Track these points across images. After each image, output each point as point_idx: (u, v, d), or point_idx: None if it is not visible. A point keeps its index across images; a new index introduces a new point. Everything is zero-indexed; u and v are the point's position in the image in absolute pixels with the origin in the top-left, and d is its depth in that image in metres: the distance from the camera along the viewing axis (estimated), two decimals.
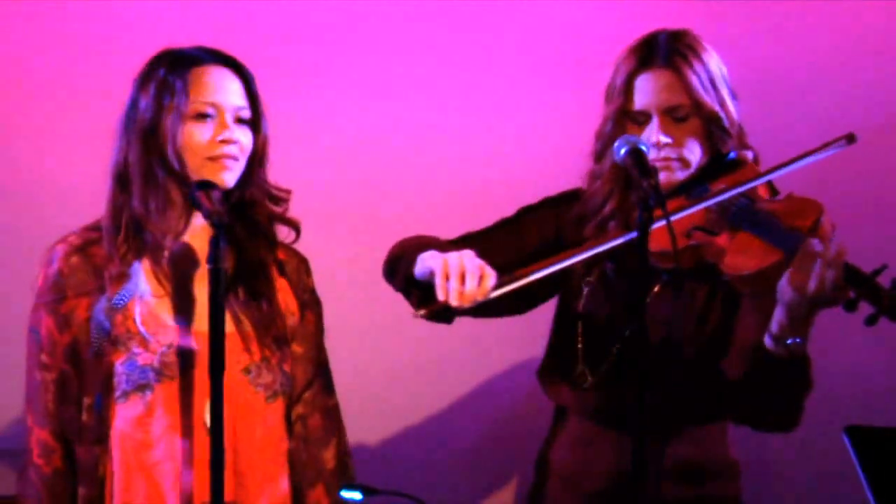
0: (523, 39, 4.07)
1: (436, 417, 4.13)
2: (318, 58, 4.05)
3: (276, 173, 3.03)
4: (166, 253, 2.91)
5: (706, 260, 3.03)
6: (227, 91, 2.92)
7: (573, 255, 2.99)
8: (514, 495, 4.11)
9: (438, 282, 2.85)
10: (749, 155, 3.14)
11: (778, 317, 2.93)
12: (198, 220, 2.94)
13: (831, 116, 4.03)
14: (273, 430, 2.96)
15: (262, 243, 2.98)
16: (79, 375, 2.91)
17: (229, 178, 2.92)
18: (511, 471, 4.13)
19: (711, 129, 3.11)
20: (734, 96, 3.14)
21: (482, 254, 3.11)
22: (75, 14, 3.98)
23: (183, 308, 2.91)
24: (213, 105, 2.90)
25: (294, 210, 3.06)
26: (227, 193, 2.91)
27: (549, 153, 3.99)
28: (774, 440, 3.84)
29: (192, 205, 2.87)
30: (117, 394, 2.88)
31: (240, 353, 2.91)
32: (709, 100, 3.09)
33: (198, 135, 2.89)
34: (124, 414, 2.89)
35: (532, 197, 3.29)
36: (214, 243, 2.75)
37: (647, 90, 3.10)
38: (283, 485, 2.99)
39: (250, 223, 2.97)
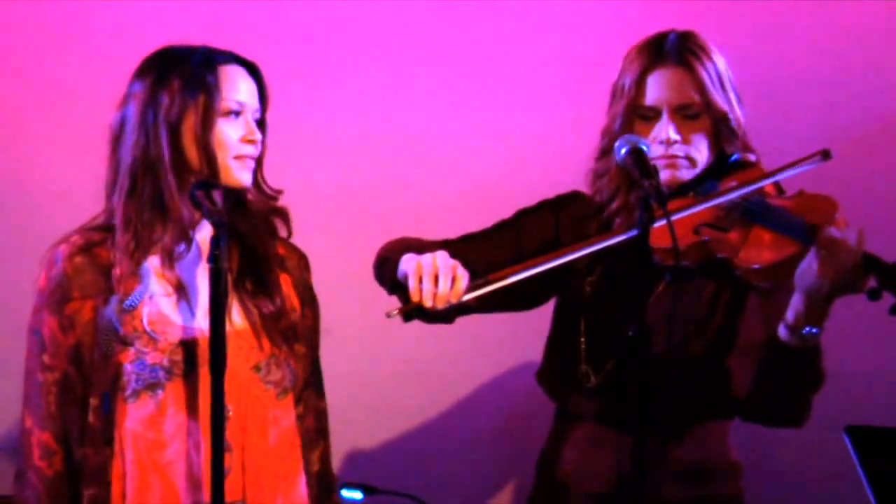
0: (523, 40, 4.07)
1: (436, 417, 4.13)
2: (318, 58, 4.06)
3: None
4: (179, 249, 2.91)
5: (716, 256, 3.03)
6: (249, 92, 2.94)
7: (552, 258, 2.99)
8: (515, 495, 4.11)
9: (412, 283, 2.86)
10: (751, 157, 3.15)
11: (796, 306, 2.94)
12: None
13: (830, 116, 4.04)
14: (285, 427, 2.95)
15: (265, 235, 2.99)
16: (82, 377, 2.89)
17: (249, 177, 2.93)
18: (511, 471, 4.13)
19: (720, 128, 3.12)
20: (739, 99, 3.15)
21: (479, 255, 3.12)
22: (75, 14, 3.98)
23: (191, 305, 2.91)
24: (240, 104, 2.92)
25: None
26: (227, 192, 2.91)
27: (549, 153, 3.99)
28: (774, 441, 3.85)
29: (192, 204, 2.87)
30: (127, 393, 2.87)
31: (250, 350, 2.91)
32: (719, 99, 3.10)
33: (229, 132, 2.90)
34: (135, 413, 2.87)
35: (533, 197, 3.30)
36: (215, 243, 2.75)
37: (659, 86, 3.10)
38: (301, 484, 2.98)
39: (251, 216, 2.97)
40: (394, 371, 4.08)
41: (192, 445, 2.86)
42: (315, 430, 3.04)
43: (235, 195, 2.94)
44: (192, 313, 2.91)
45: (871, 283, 2.91)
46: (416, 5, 4.08)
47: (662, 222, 2.81)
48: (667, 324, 3.08)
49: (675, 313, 3.08)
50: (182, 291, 2.91)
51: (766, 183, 3.06)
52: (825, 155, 3.03)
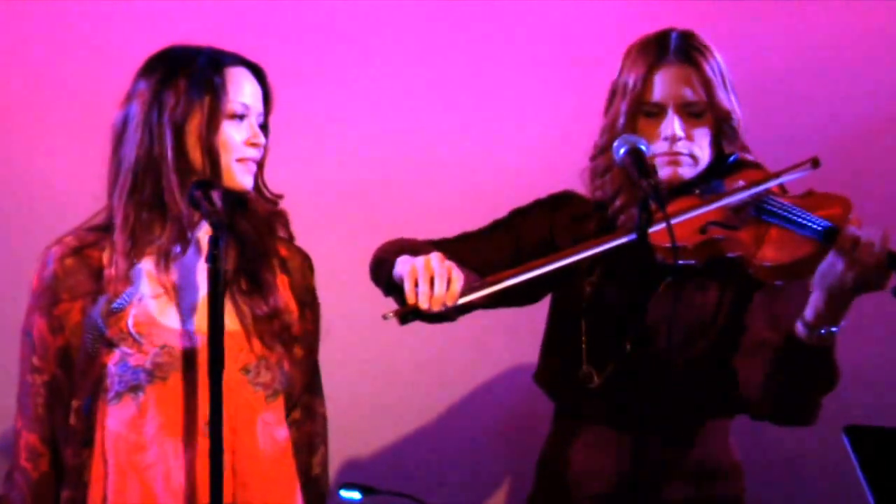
0: (523, 40, 4.07)
1: (436, 417, 4.13)
2: (318, 58, 4.06)
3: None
4: (176, 250, 2.90)
5: (725, 255, 3.02)
6: (254, 95, 2.93)
7: (551, 261, 2.98)
8: (515, 496, 4.11)
9: (407, 286, 2.85)
10: (749, 157, 3.15)
11: (816, 305, 2.93)
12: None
13: (830, 116, 4.04)
14: (277, 430, 2.95)
15: (264, 234, 2.98)
16: (70, 379, 2.89)
17: (251, 181, 2.93)
18: (511, 471, 4.13)
19: (723, 128, 3.12)
20: (737, 99, 3.16)
21: (476, 256, 3.12)
22: (74, 14, 3.98)
23: (180, 307, 2.91)
24: (245, 106, 2.91)
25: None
26: (227, 192, 2.91)
27: (549, 153, 3.99)
28: (774, 441, 3.85)
29: (191, 204, 2.86)
30: (110, 395, 2.87)
31: (239, 351, 2.90)
32: (723, 98, 3.11)
33: (233, 134, 2.89)
34: (117, 415, 2.87)
35: (533, 198, 3.29)
36: (214, 243, 2.74)
37: (666, 83, 3.10)
38: (295, 492, 2.97)
39: (251, 216, 2.96)
40: (393, 371, 4.07)
41: (171, 450, 2.85)
42: (315, 434, 3.04)
43: (236, 195, 2.94)
44: (183, 315, 2.90)
45: (895, 281, 2.90)
46: (416, 5, 4.08)
47: (662, 226, 2.81)
48: (668, 323, 3.07)
49: (675, 313, 3.08)
50: (173, 293, 2.91)
51: (776, 183, 3.06)
52: (815, 163, 3.04)
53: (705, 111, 3.12)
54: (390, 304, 3.01)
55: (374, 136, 4.07)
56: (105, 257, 2.92)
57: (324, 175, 4.04)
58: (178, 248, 2.90)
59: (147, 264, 2.91)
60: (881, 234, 2.88)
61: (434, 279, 2.84)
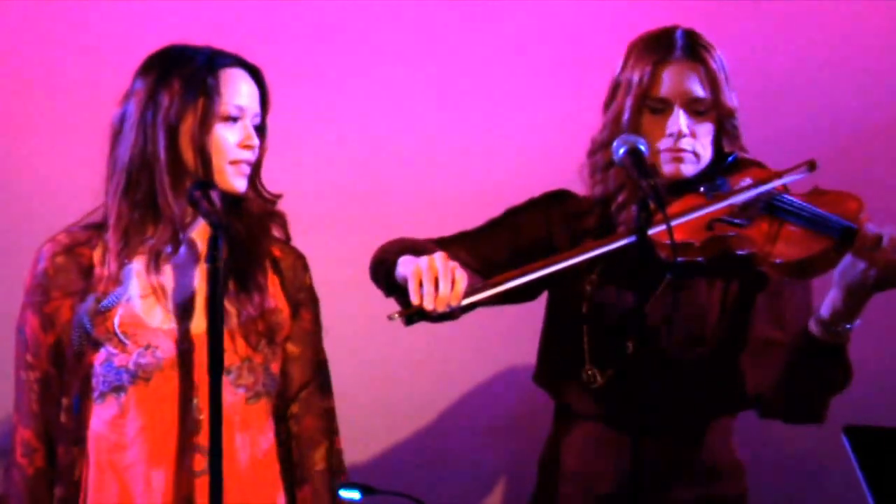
0: (523, 40, 4.07)
1: (435, 417, 4.13)
2: (318, 59, 4.06)
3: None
4: (167, 250, 2.90)
5: (734, 251, 3.02)
6: (250, 96, 2.92)
7: (552, 263, 2.98)
8: (515, 496, 4.11)
9: (412, 286, 2.84)
10: (747, 156, 3.15)
11: (834, 302, 2.94)
12: (198, 218, 2.94)
13: (830, 116, 4.04)
14: (255, 431, 2.94)
15: (257, 235, 2.97)
16: (61, 376, 2.90)
17: (244, 183, 2.92)
18: (510, 471, 4.13)
19: (725, 126, 3.12)
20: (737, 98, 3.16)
21: (476, 255, 3.12)
22: (74, 14, 3.98)
23: (168, 308, 2.90)
24: (240, 109, 2.90)
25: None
26: (224, 194, 2.91)
27: (550, 153, 3.99)
28: (774, 441, 3.85)
29: (189, 204, 2.86)
30: (95, 394, 2.88)
31: (222, 352, 2.89)
32: (728, 97, 3.11)
33: (227, 137, 2.89)
34: (101, 414, 2.88)
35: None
36: (213, 243, 2.74)
37: (674, 80, 3.10)
38: (272, 492, 2.96)
39: (247, 217, 2.96)
40: (393, 371, 4.07)
41: (150, 451, 2.85)
42: (317, 429, 3.02)
43: (232, 196, 2.94)
44: (170, 316, 2.90)
45: None
46: (417, 6, 4.08)
47: (663, 227, 2.81)
48: (669, 322, 3.07)
49: (676, 312, 3.08)
50: (162, 294, 2.90)
51: (781, 183, 3.06)
52: (811, 166, 3.04)
53: (710, 109, 3.11)
54: (389, 305, 3.01)
55: (374, 137, 4.07)
56: (96, 256, 2.93)
57: (323, 175, 4.04)
58: (168, 249, 2.90)
59: (138, 264, 2.91)
60: None
61: (438, 279, 2.84)
